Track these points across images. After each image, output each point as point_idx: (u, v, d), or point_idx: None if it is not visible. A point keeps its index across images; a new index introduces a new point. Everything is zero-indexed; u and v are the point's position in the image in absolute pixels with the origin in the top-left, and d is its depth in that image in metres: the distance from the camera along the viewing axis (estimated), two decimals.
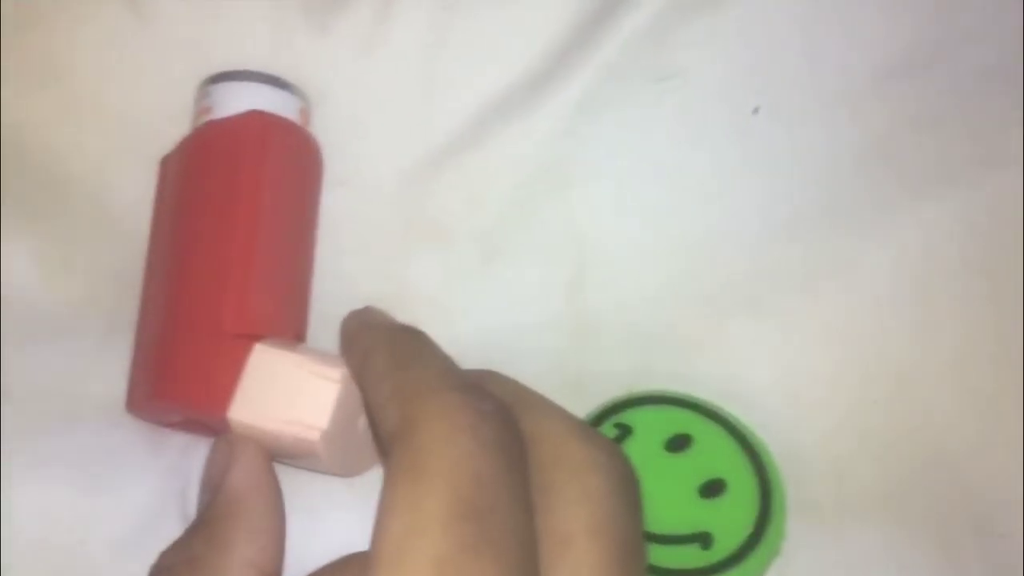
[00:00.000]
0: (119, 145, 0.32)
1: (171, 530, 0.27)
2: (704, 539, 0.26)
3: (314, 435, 0.24)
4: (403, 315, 0.30)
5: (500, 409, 0.18)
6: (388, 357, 0.21)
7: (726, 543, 0.26)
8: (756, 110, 0.32)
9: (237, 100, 0.28)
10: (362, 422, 0.26)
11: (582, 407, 0.30)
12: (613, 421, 0.28)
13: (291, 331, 0.27)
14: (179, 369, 0.25)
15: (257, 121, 0.27)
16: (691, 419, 0.28)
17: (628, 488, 0.19)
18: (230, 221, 0.26)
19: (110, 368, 0.29)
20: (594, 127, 0.32)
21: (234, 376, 0.24)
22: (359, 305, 0.31)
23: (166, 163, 0.29)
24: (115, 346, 0.29)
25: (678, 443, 0.28)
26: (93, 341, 0.29)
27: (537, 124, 0.32)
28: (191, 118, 0.30)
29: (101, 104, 0.32)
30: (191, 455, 0.28)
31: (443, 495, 0.16)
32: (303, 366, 0.24)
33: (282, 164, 0.28)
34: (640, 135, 0.33)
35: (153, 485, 0.27)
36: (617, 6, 0.32)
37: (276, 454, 0.25)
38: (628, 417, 0.28)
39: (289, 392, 0.24)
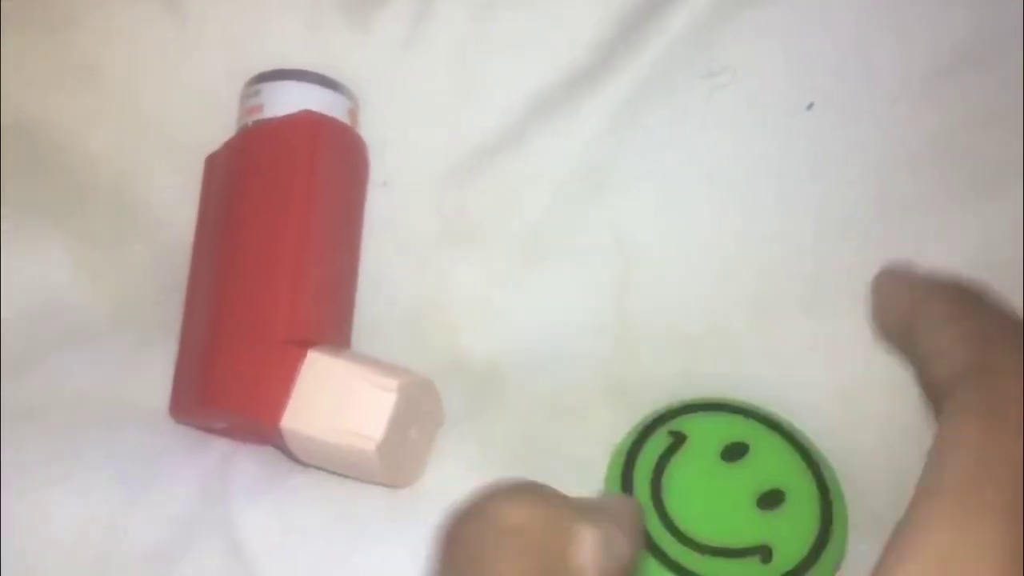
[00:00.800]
0: (154, 145, 0.31)
1: (209, 538, 0.26)
2: (764, 552, 0.25)
3: (370, 446, 0.23)
4: (443, 317, 0.30)
5: None
6: (948, 305, 0.21)
7: (787, 557, 0.25)
8: (810, 106, 0.31)
9: (288, 99, 0.27)
10: (413, 432, 0.25)
11: (627, 411, 0.29)
12: (667, 428, 0.28)
13: (339, 335, 0.27)
14: (229, 376, 0.24)
15: (309, 121, 0.27)
16: (747, 427, 0.28)
17: None
18: (281, 224, 0.25)
19: (148, 372, 0.28)
20: (638, 126, 0.32)
21: (285, 383, 0.24)
22: (398, 307, 0.30)
23: (212, 162, 0.28)
24: (153, 350, 0.29)
25: (735, 452, 0.27)
26: (130, 344, 0.29)
27: (579, 124, 0.31)
28: (237, 115, 0.29)
29: (135, 104, 0.31)
30: (232, 461, 0.27)
31: (1016, 438, 0.17)
32: (359, 375, 0.24)
33: (333, 165, 0.27)
34: (686, 133, 0.32)
35: (192, 492, 0.27)
36: (663, 2, 0.31)
37: (328, 463, 0.25)
38: (682, 424, 0.28)
39: (344, 401, 0.23)
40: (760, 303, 0.31)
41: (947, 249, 0.30)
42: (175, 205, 0.30)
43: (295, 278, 0.25)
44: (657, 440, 0.27)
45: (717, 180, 0.32)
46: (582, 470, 0.27)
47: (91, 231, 0.30)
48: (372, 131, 0.31)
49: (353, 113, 0.29)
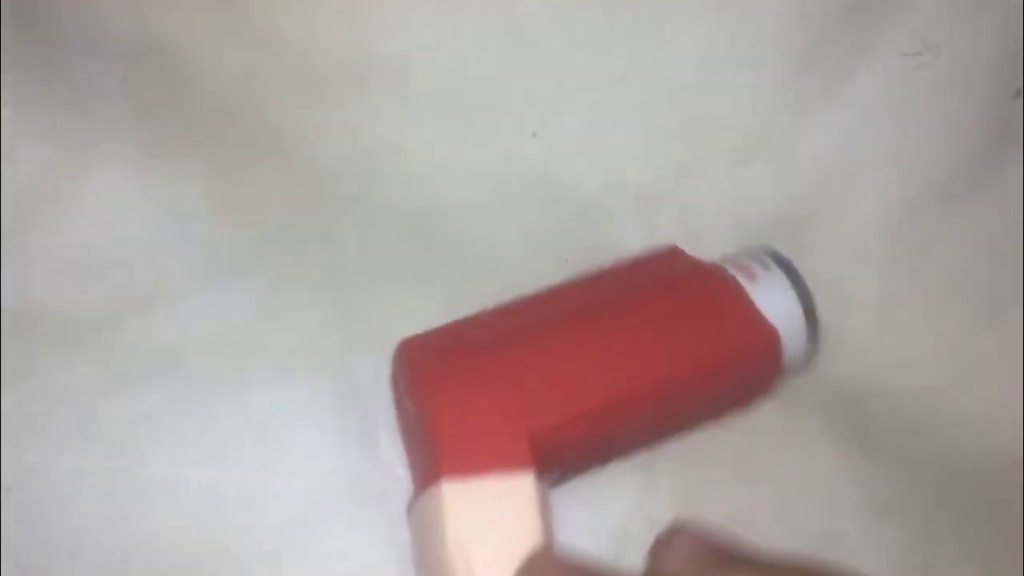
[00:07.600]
0: (291, 72, 0.28)
1: (353, 513, 0.24)
2: None
3: None
4: None
5: None
6: None
7: None
8: (1017, 93, 0.28)
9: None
10: None
11: None
12: None
13: None
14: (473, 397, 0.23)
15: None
16: None
17: None
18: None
19: (281, 319, 0.26)
20: (832, 104, 0.29)
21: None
22: None
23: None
24: (284, 296, 0.27)
25: None
26: (263, 287, 0.27)
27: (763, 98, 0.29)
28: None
29: (275, 28, 0.28)
30: (381, 426, 0.25)
31: None
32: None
33: None
34: (885, 114, 0.29)
35: (328, 460, 0.25)
36: None
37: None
38: None
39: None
40: None
41: None
42: (311, 138, 0.28)
43: None
44: None
45: (917, 167, 0.29)
46: None
47: (225, 160, 0.28)
48: None
49: None
